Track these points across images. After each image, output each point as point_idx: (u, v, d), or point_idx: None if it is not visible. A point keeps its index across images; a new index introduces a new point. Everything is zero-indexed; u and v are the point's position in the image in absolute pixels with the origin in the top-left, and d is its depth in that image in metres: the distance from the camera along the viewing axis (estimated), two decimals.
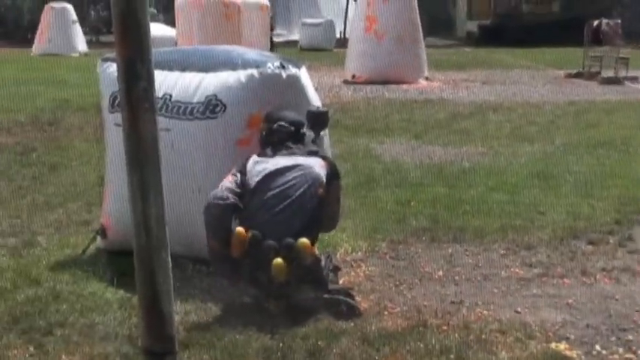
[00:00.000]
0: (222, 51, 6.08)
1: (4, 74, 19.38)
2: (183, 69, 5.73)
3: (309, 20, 35.70)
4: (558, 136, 11.88)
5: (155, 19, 31.25)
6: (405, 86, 19.02)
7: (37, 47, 30.43)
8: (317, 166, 5.20)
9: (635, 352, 4.56)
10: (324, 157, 5.37)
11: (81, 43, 31.17)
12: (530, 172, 9.22)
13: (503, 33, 38.10)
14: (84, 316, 4.92)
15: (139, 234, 2.18)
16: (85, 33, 33.98)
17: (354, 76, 20.30)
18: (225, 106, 5.49)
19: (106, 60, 6.03)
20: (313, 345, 4.47)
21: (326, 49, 33.17)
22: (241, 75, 5.50)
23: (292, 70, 5.56)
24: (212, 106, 5.51)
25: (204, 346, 4.45)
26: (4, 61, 24.18)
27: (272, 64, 5.51)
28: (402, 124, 13.22)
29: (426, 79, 20.61)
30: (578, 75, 21.75)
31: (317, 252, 5.07)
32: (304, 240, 4.88)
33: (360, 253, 6.31)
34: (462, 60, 28.79)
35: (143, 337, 2.26)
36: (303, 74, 5.75)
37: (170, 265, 2.19)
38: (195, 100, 5.58)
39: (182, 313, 4.89)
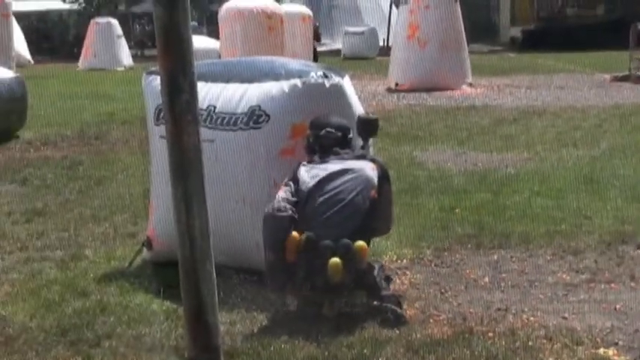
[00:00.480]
0: (265, 62, 6.13)
1: (51, 89, 19.67)
2: (227, 80, 5.78)
3: (351, 29, 35.73)
4: (604, 140, 11.76)
5: (197, 32, 31.54)
6: (448, 93, 18.94)
7: (82, 62, 30.84)
8: (367, 168, 5.24)
9: None
10: (373, 160, 5.40)
11: (126, 57, 31.50)
12: (575, 176, 9.14)
13: (547, 37, 37.79)
14: (131, 327, 4.97)
15: (183, 245, 2.21)
16: (130, 47, 34.35)
17: (397, 84, 20.26)
18: (268, 116, 5.52)
19: (150, 73, 6.11)
20: (358, 353, 4.48)
21: (369, 57, 33.18)
22: (284, 85, 5.53)
23: (335, 79, 5.58)
24: (256, 117, 5.54)
25: (250, 355, 4.48)
26: (51, 76, 24.51)
27: (315, 74, 5.54)
28: (445, 131, 13.18)
29: (470, 85, 20.50)
30: (624, 78, 21.50)
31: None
32: (361, 243, 4.94)
33: (405, 261, 6.30)
34: (505, 65, 28.59)
35: (189, 347, 2.28)
36: (347, 83, 5.77)
37: (214, 276, 2.21)
38: (239, 111, 5.62)
39: (227, 323, 4.92)
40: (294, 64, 5.91)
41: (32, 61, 32.78)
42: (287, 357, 4.45)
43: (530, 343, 4.65)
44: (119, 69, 29.62)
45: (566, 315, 5.16)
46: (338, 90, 5.57)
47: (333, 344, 4.61)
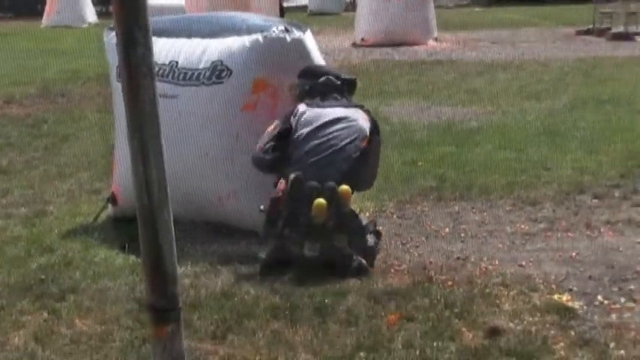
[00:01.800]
0: (227, 17, 6.14)
1: (14, 47, 19.48)
2: (188, 36, 5.80)
3: None
4: (566, 93, 11.90)
5: None
6: (414, 48, 19.03)
7: (46, 19, 30.40)
8: (361, 119, 5.39)
9: (636, 301, 4.65)
10: (367, 111, 5.51)
11: (90, 14, 31.15)
12: (537, 129, 9.27)
13: None
14: (95, 281, 5.04)
15: (140, 195, 2.27)
16: (95, 4, 33.92)
17: (363, 39, 20.28)
18: (230, 71, 5.56)
19: (112, 29, 6.10)
20: (320, 303, 4.57)
21: (335, 12, 33.09)
22: (246, 40, 5.57)
23: (296, 33, 5.61)
24: (218, 72, 5.58)
25: (214, 307, 4.56)
26: (14, 34, 24.24)
27: (276, 29, 5.57)
28: (411, 86, 13.25)
29: (435, 40, 20.56)
30: (588, 32, 21.67)
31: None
32: (346, 187, 5.07)
33: (367, 214, 6.38)
34: (471, 20, 28.66)
35: (148, 294, 2.35)
36: (308, 38, 5.80)
37: (172, 225, 2.27)
38: (201, 66, 5.65)
39: (191, 275, 5.01)
40: (256, 18, 5.93)
41: None
42: (250, 307, 4.54)
43: (487, 291, 4.77)
44: (83, 26, 29.27)
45: (523, 263, 5.29)
46: (299, 44, 5.61)
47: (296, 294, 4.70)
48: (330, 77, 5.50)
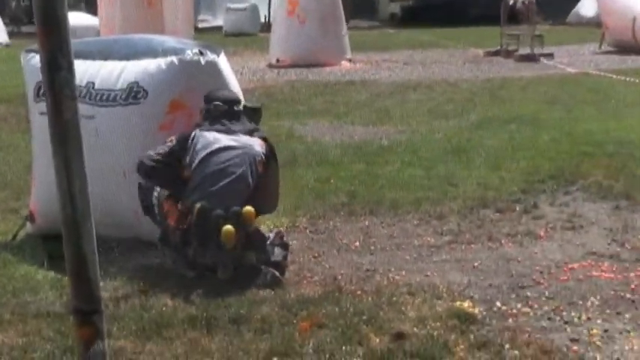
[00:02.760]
0: (142, 39, 6.35)
1: None
2: (105, 58, 5.98)
3: (233, 5, 35.70)
4: (474, 112, 12.32)
5: (77, 8, 31.05)
6: (328, 68, 19.34)
7: None
8: (256, 144, 5.60)
9: (531, 307, 4.97)
10: (263, 138, 5.74)
11: (1, 34, 30.80)
12: (444, 147, 9.63)
13: (425, 13, 38.65)
14: (16, 296, 5.17)
15: (64, 205, 2.46)
16: (6, 24, 33.54)
17: (278, 60, 20.55)
18: (147, 92, 5.76)
19: (29, 51, 6.24)
20: (235, 312, 4.79)
21: (251, 33, 33.28)
22: (161, 62, 5.78)
23: (210, 56, 5.84)
24: (134, 93, 5.77)
25: (133, 318, 4.74)
26: None
27: (190, 51, 5.79)
28: (325, 106, 13.56)
29: (349, 60, 20.95)
30: (496, 53, 22.28)
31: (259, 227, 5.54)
32: (249, 208, 5.31)
33: (281, 229, 6.61)
34: (384, 41, 29.19)
35: (72, 298, 2.55)
36: (222, 60, 6.03)
37: (94, 234, 2.48)
38: (117, 87, 5.83)
39: (111, 289, 5.17)
40: (172, 41, 6.15)
41: None
42: (168, 318, 4.73)
43: (394, 299, 5.04)
44: None
45: (429, 273, 5.59)
46: (213, 67, 5.84)
47: (212, 305, 4.91)
48: (218, 103, 5.67)
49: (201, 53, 5.78)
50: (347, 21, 39.85)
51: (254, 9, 34.70)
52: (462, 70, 19.19)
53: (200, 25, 37.30)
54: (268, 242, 5.53)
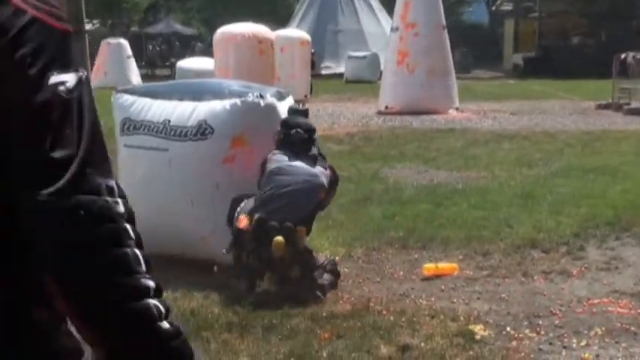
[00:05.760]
0: (213, 83, 7.24)
1: None
2: (180, 99, 6.83)
3: (354, 53, 36.82)
4: (559, 161, 12.72)
5: (205, 53, 32.64)
6: (433, 116, 19.94)
7: (93, 80, 31.99)
8: (323, 175, 6.35)
9: (538, 332, 5.48)
10: (332, 168, 6.58)
11: (135, 76, 32.70)
12: (515, 192, 10.11)
13: (548, 64, 38.88)
14: None
15: None
16: (141, 67, 35.57)
17: (387, 107, 21.30)
18: (213, 129, 6.56)
19: (119, 92, 7.18)
20: (268, 322, 5.49)
21: (370, 81, 34.18)
22: (226, 103, 6.59)
23: (270, 99, 6.62)
24: (203, 130, 6.59)
25: (181, 321, 5.48)
26: None
27: (252, 95, 6.59)
28: (417, 151, 14.17)
29: (457, 109, 21.50)
30: (607, 106, 22.43)
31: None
32: (301, 227, 6.08)
33: (337, 258, 7.29)
34: (500, 91, 29.61)
35: None
36: (284, 104, 6.80)
37: None
38: (189, 124, 6.66)
39: (171, 299, 5.94)
40: (237, 85, 6.97)
41: None
42: (210, 322, 5.48)
43: (414, 319, 5.64)
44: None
45: (455, 300, 6.15)
46: (272, 109, 6.61)
47: (251, 314, 5.63)
48: (299, 130, 6.43)
49: (261, 96, 6.56)
50: (469, 71, 40.38)
51: (374, 57, 35.64)
52: (566, 121, 19.47)
53: (324, 72, 38.61)
54: (318, 264, 6.22)
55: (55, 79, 1.34)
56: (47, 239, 1.35)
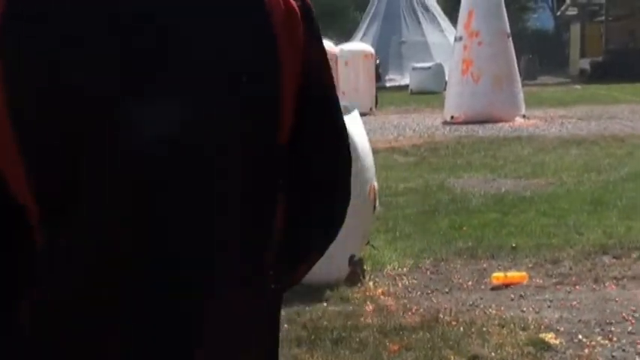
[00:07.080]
0: None
1: None
2: None
3: (418, 64, 36.74)
4: (629, 166, 12.53)
5: None
6: (500, 125, 19.79)
7: None
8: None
9: (611, 340, 5.42)
10: None
11: None
12: (584, 199, 10.00)
13: (615, 69, 38.33)
14: None
15: None
16: None
17: (452, 117, 21.21)
18: None
19: None
20: (338, 335, 5.51)
21: (435, 92, 34.06)
22: None
23: None
24: None
25: None
26: None
27: None
28: (483, 160, 14.08)
29: (523, 117, 21.31)
30: None
31: None
32: None
33: (405, 269, 7.29)
34: (567, 97, 29.26)
35: None
36: (347, 118, 6.83)
37: None
38: None
39: None
40: None
41: None
42: (281, 338, 5.50)
43: (483, 329, 5.62)
44: None
45: (525, 309, 6.11)
46: None
47: (321, 329, 5.66)
48: None
49: None
50: (535, 78, 40.02)
51: (439, 68, 35.51)
52: (637, 125, 19.14)
53: (388, 84, 38.60)
54: None
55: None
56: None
